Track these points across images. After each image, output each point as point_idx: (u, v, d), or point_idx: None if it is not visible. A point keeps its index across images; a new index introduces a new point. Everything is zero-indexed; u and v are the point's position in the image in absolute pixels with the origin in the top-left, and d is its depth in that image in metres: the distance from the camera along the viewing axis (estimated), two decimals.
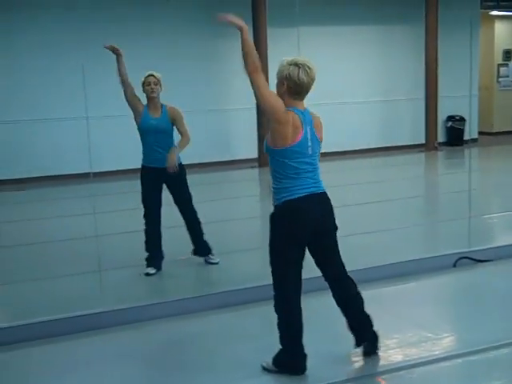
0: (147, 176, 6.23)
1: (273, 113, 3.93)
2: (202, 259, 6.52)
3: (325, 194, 4.15)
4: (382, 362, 4.40)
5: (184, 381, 4.24)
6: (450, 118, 15.48)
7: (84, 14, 12.24)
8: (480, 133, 16.21)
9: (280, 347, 4.18)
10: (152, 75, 6.10)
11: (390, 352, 4.48)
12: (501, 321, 5.00)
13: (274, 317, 4.17)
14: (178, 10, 13.09)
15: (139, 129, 6.18)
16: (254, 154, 12.65)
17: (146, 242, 6.34)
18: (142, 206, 6.30)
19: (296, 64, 4.00)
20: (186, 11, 13.18)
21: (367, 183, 11.13)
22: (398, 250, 6.83)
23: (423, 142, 14.98)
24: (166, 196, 6.31)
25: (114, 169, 11.95)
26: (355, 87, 14.67)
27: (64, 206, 10.04)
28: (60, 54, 12.13)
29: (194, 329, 5.14)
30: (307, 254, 4.15)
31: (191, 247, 6.51)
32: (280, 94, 4.05)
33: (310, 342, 4.19)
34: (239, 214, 9.13)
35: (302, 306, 4.15)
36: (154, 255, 6.34)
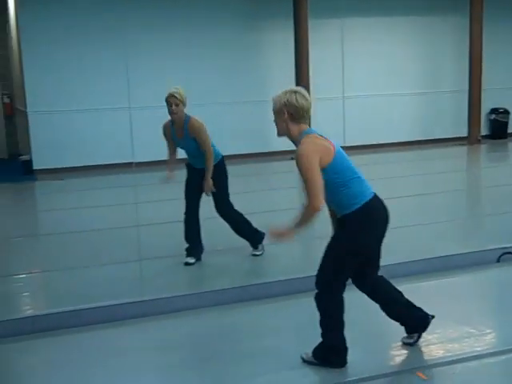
0: (189, 171, 6.38)
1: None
2: (241, 251, 6.53)
3: None
4: (422, 357, 4.35)
5: (222, 370, 4.25)
6: (494, 111, 15.18)
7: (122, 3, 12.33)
8: None
9: (321, 339, 4.17)
10: (173, 96, 6.01)
11: (432, 347, 4.42)
12: None
13: (313, 309, 4.14)
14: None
15: None
16: (292, 146, 12.54)
17: (185, 232, 6.39)
18: (183, 196, 6.37)
19: (291, 91, 4.07)
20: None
21: (409, 176, 11.01)
22: (440, 244, 6.74)
23: (465, 135, 14.72)
24: None
25: (157, 159, 12.04)
26: (397, 79, 14.49)
27: (105, 196, 10.15)
28: (105, 44, 12.25)
29: (231, 319, 5.16)
30: None
31: (230, 238, 6.53)
32: (284, 126, 4.08)
33: (350, 335, 4.16)
34: (278, 205, 9.10)
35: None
36: (194, 245, 6.38)
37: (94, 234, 7.70)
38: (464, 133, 14.72)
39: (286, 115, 4.04)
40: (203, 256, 6.43)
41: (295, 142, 4.08)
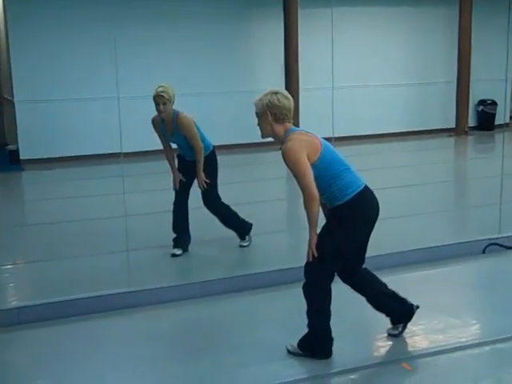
0: (180, 163, 6.39)
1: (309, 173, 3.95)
2: (229, 241, 6.54)
3: None
4: (407, 348, 4.38)
5: (207, 362, 4.26)
6: (482, 102, 15.22)
7: None
8: None
9: (306, 330, 4.19)
10: (160, 95, 5.95)
11: (416, 338, 4.46)
12: None
13: (300, 300, 4.16)
14: None
15: None
16: None
17: (174, 223, 6.39)
18: (171, 186, 6.37)
19: (272, 92, 4.11)
20: None
21: (396, 167, 11.03)
22: (426, 235, 6.77)
23: (454, 126, 14.77)
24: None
25: (145, 149, 11.98)
26: (387, 70, 14.48)
27: (93, 186, 10.11)
28: (94, 33, 12.15)
29: (218, 310, 5.17)
30: None
31: (217, 229, 6.54)
32: (269, 128, 4.10)
33: (336, 326, 4.18)
34: (266, 196, 9.12)
35: None
36: (181, 236, 6.39)
37: (81, 225, 7.68)
38: (452, 124, 14.76)
39: (270, 117, 4.06)
40: (190, 247, 6.42)
41: (281, 141, 4.09)
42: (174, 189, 6.36)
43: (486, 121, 15.19)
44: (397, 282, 4.60)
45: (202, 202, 6.34)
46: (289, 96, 4.13)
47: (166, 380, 4.12)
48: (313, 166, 3.94)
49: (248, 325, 4.83)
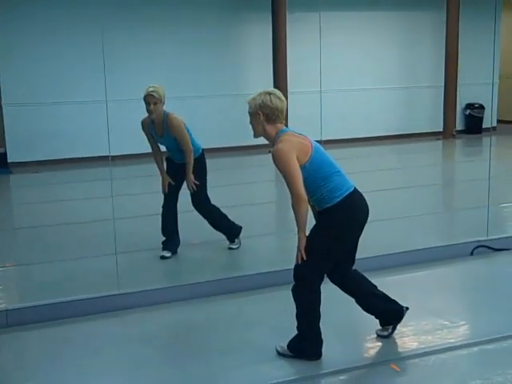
0: (169, 165, 6.39)
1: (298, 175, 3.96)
2: (218, 244, 6.55)
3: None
4: (396, 349, 4.40)
5: (197, 364, 4.26)
6: (469, 106, 15.33)
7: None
8: (499, 121, 16.04)
9: (296, 332, 4.20)
10: (151, 95, 5.95)
11: (405, 339, 4.48)
12: None
13: (289, 302, 4.17)
14: None
15: None
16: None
17: (162, 226, 6.39)
18: (160, 189, 6.37)
19: (265, 93, 4.12)
20: None
21: (384, 170, 11.08)
22: (414, 237, 6.81)
23: (441, 129, 14.86)
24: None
25: (133, 152, 11.97)
26: (374, 73, 14.57)
27: (81, 189, 10.08)
28: (81, 37, 12.12)
29: (207, 313, 5.17)
30: None
31: (207, 231, 6.54)
32: (260, 128, 4.12)
33: (325, 328, 4.19)
34: (255, 198, 9.13)
35: None
36: (170, 239, 6.38)
37: (70, 228, 7.65)
38: (440, 127, 14.85)
39: (262, 117, 4.08)
40: (179, 249, 6.42)
41: (273, 142, 4.10)
42: (163, 192, 6.37)
43: (474, 124, 15.30)
44: (385, 284, 4.62)
45: (191, 205, 6.34)
46: (282, 97, 4.14)
47: (155, 382, 4.11)
48: (302, 167, 3.96)
49: (237, 327, 4.83)
